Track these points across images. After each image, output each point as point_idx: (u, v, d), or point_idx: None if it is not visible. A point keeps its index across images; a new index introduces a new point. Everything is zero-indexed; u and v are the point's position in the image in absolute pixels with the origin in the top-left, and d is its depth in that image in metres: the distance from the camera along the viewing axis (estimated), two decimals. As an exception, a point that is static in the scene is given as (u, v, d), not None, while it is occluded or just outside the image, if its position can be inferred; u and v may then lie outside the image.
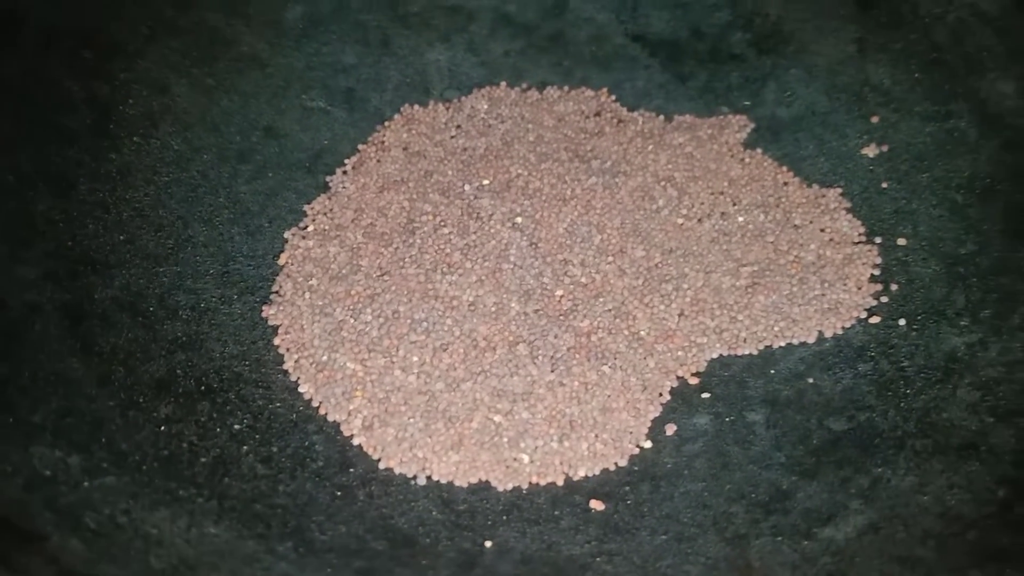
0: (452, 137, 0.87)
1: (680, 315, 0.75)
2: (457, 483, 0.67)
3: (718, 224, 0.81)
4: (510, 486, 0.67)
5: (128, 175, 0.81)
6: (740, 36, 0.95)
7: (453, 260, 0.78)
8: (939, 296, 0.76)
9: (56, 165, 0.79)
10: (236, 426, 0.69)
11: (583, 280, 0.77)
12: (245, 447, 0.68)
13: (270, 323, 0.75)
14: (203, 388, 0.70)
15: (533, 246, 0.78)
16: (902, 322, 0.75)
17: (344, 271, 0.77)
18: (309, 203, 0.82)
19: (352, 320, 0.74)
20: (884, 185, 0.84)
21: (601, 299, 0.76)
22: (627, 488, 0.67)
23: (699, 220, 0.81)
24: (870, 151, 0.86)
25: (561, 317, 0.75)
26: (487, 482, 0.67)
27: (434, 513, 0.66)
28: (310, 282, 0.77)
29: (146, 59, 0.87)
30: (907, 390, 0.71)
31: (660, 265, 0.78)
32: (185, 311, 0.75)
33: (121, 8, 0.89)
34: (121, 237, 0.77)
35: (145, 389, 0.69)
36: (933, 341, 0.73)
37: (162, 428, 0.67)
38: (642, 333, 0.74)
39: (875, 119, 0.88)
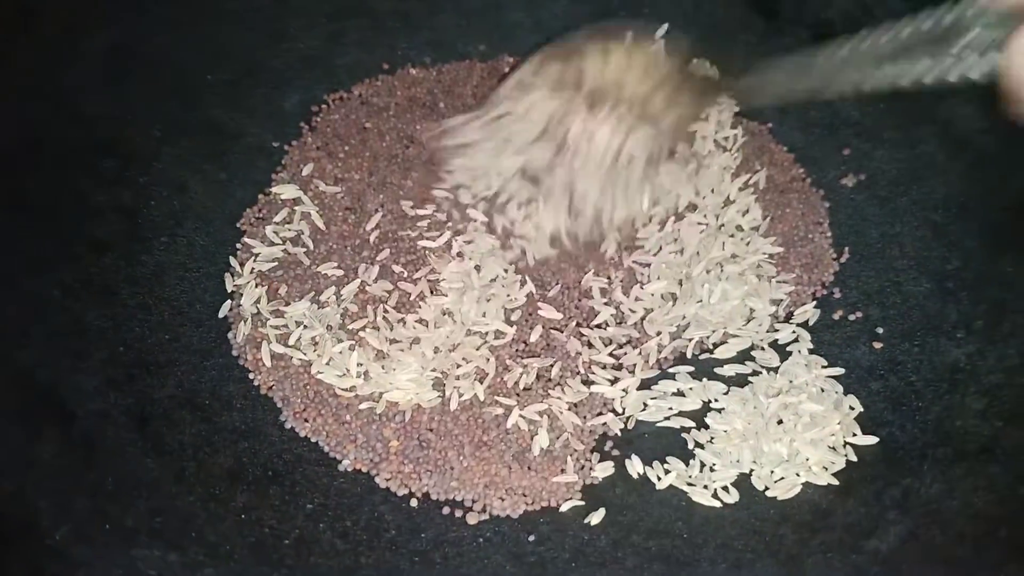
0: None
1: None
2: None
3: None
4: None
5: (162, 275, 0.84)
6: (715, 80, 1.00)
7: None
8: (934, 312, 0.82)
9: (95, 274, 0.82)
10: (309, 506, 0.72)
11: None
12: (321, 525, 0.71)
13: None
14: (271, 473, 0.73)
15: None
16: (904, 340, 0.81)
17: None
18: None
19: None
20: (867, 211, 0.90)
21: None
22: (680, 523, 0.72)
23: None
24: (849, 181, 0.92)
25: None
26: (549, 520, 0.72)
27: (508, 568, 0.70)
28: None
29: (161, 161, 0.90)
30: (919, 403, 0.76)
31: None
32: (238, 400, 0.78)
33: (132, 116, 0.92)
34: (166, 336, 0.80)
35: (218, 481, 0.72)
36: (935, 354, 0.79)
37: (242, 516, 0.71)
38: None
39: (847, 151, 0.94)
